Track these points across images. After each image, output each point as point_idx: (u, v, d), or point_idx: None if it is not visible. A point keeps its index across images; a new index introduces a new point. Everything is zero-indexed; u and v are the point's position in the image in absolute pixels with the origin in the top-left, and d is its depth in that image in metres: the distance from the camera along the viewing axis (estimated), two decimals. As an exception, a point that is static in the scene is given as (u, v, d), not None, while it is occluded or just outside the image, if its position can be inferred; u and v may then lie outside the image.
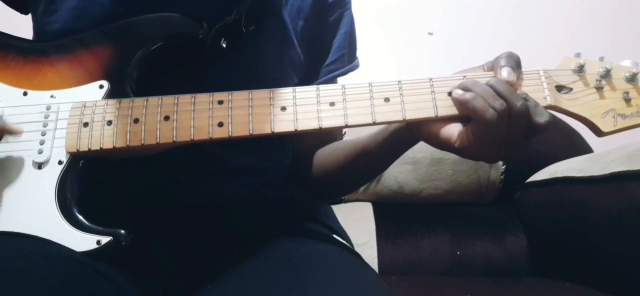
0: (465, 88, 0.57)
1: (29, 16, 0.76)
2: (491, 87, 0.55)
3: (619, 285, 0.96)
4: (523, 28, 1.67)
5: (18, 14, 0.78)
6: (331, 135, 0.81)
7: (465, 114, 0.57)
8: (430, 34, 1.68)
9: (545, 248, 1.21)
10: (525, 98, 0.55)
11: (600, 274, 1.02)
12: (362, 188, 1.34)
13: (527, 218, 1.28)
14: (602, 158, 1.04)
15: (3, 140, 0.59)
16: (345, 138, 0.98)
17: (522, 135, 0.55)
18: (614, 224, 0.96)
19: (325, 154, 0.79)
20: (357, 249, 0.76)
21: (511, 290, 1.08)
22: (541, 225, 1.23)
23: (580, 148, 1.32)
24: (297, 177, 0.81)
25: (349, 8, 0.82)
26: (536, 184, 1.25)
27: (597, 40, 1.62)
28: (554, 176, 1.17)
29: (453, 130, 0.58)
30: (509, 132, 0.55)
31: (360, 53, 0.86)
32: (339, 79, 0.81)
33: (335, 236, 0.75)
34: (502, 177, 1.32)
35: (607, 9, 1.69)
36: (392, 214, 1.31)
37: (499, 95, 0.54)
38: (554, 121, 1.34)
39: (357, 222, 1.27)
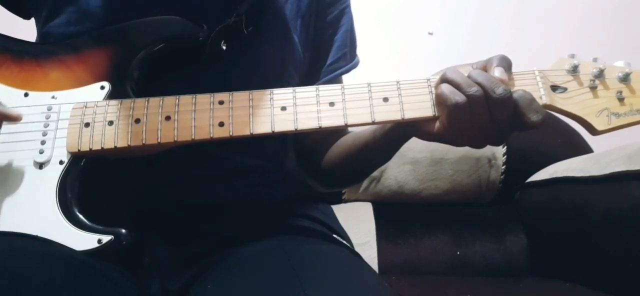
0: (443, 78, 0.57)
1: (31, 20, 0.76)
2: (469, 76, 0.56)
3: (619, 285, 0.96)
4: (522, 29, 1.67)
5: (20, 18, 0.78)
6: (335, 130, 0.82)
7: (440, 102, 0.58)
8: (430, 34, 1.68)
9: (545, 248, 1.21)
10: (520, 92, 0.55)
11: (600, 274, 1.02)
12: (362, 188, 1.35)
13: (527, 218, 1.28)
14: (602, 158, 1.04)
15: (4, 133, 0.60)
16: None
17: (508, 123, 0.56)
18: (614, 224, 0.96)
19: (331, 148, 0.79)
20: (357, 249, 0.76)
21: (511, 290, 1.08)
22: (541, 225, 1.23)
23: (580, 148, 1.32)
24: (304, 169, 0.82)
25: (348, 5, 0.82)
26: (536, 184, 1.25)
27: (596, 41, 1.62)
28: (554, 176, 1.17)
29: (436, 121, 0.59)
30: (494, 120, 0.55)
31: (360, 53, 0.86)
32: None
33: (335, 236, 0.75)
34: (502, 177, 1.32)
35: (606, 9, 1.69)
36: (392, 214, 1.31)
37: (476, 82, 0.55)
38: (554, 121, 1.35)
39: (357, 222, 1.27)
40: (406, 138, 0.66)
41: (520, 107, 0.55)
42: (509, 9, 1.69)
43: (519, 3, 1.70)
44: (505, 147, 1.32)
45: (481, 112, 0.55)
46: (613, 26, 1.66)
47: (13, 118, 0.59)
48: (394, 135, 0.65)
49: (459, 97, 0.55)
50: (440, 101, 0.57)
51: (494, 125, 0.55)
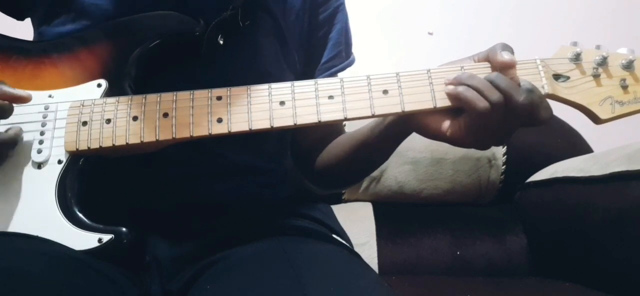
0: (460, 82, 0.57)
1: (27, 22, 0.76)
2: (490, 81, 0.55)
3: (619, 285, 0.96)
4: (522, 28, 1.67)
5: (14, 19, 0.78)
6: (333, 128, 0.81)
7: (460, 106, 0.57)
8: (430, 34, 1.68)
9: (545, 248, 1.21)
10: (531, 90, 0.55)
11: (600, 274, 1.01)
12: (362, 188, 1.34)
13: (527, 218, 1.28)
14: (602, 158, 1.04)
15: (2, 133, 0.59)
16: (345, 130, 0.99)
17: (519, 125, 0.56)
18: (614, 224, 0.96)
19: (328, 148, 0.79)
20: (357, 249, 0.76)
21: (511, 290, 1.07)
22: (541, 225, 1.22)
23: (580, 148, 1.32)
24: (302, 171, 0.81)
25: (342, 3, 0.82)
26: (536, 184, 1.24)
27: (596, 40, 1.62)
28: (554, 176, 1.17)
29: (445, 120, 0.58)
30: (507, 122, 0.55)
31: (360, 53, 0.86)
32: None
33: (335, 236, 0.75)
34: (502, 177, 1.32)
35: (606, 9, 1.69)
36: (392, 214, 1.31)
37: (498, 88, 0.54)
38: (554, 121, 1.34)
39: (357, 222, 1.27)
40: (403, 135, 0.66)
41: (534, 104, 0.54)
42: (508, 10, 1.69)
43: (519, 3, 1.70)
44: (505, 147, 1.32)
45: (498, 118, 0.54)
46: (613, 26, 1.66)
47: (21, 99, 0.60)
48: (392, 131, 0.65)
49: (483, 104, 0.54)
50: (461, 105, 0.56)
51: (502, 128, 0.55)
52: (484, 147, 0.59)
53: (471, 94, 0.55)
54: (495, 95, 0.54)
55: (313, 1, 0.78)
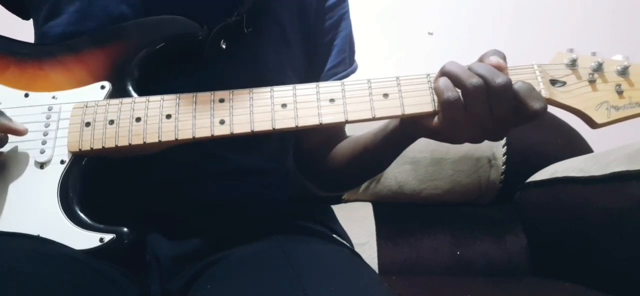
0: (442, 72, 0.57)
1: (30, 22, 0.76)
2: (469, 68, 0.56)
3: (619, 285, 0.96)
4: (522, 29, 1.68)
5: (19, 19, 0.78)
6: (335, 132, 0.82)
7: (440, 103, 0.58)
8: (430, 34, 1.68)
9: (545, 248, 1.21)
10: (519, 83, 0.55)
11: (600, 274, 1.02)
12: (362, 188, 1.35)
13: (527, 218, 1.28)
14: (602, 158, 1.04)
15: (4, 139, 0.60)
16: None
17: (509, 116, 0.55)
18: (614, 224, 0.96)
19: (332, 153, 0.79)
20: (357, 249, 0.76)
21: (511, 290, 1.07)
22: (541, 225, 1.23)
23: (580, 148, 1.32)
24: (304, 174, 0.82)
25: (347, 10, 0.83)
26: (536, 184, 1.24)
27: (596, 41, 1.62)
28: (554, 176, 1.17)
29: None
30: (490, 110, 0.55)
31: (360, 53, 0.86)
32: None
33: (335, 236, 0.75)
34: (502, 177, 1.32)
35: (606, 10, 1.69)
36: (392, 214, 1.31)
37: (476, 73, 0.55)
38: (554, 121, 1.34)
39: (357, 222, 1.27)
40: (407, 140, 0.66)
41: (521, 97, 0.54)
42: (508, 9, 1.69)
43: (518, 3, 1.70)
44: (506, 147, 1.32)
45: (480, 105, 0.54)
46: (613, 27, 1.66)
47: (17, 132, 0.59)
48: (396, 135, 0.66)
49: (451, 93, 0.55)
50: (436, 94, 0.58)
51: (493, 119, 0.55)
52: (473, 139, 0.58)
53: (442, 83, 0.56)
54: (473, 79, 0.54)
55: (319, 8, 0.78)
